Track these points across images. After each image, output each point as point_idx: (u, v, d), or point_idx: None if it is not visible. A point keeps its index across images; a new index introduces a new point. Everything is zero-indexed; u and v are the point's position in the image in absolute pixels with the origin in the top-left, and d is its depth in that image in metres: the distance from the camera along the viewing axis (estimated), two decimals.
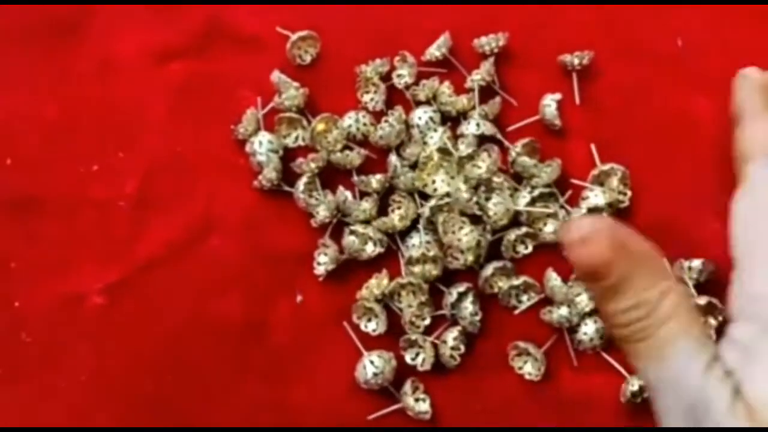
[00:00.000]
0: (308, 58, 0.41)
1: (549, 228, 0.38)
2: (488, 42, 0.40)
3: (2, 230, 0.40)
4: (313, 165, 0.39)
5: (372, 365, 0.37)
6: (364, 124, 0.40)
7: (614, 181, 0.39)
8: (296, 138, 0.40)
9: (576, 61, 0.39)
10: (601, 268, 0.29)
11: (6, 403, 0.39)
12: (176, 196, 0.40)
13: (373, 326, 0.38)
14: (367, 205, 0.38)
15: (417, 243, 0.38)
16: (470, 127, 0.39)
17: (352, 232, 0.38)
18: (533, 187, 0.38)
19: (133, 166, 0.41)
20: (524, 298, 0.38)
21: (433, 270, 0.38)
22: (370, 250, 0.38)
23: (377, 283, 0.38)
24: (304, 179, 0.39)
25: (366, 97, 0.40)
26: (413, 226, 0.39)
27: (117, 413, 0.38)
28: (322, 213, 0.38)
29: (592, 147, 0.39)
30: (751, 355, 0.28)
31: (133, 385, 0.39)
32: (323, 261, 0.39)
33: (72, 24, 0.42)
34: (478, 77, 0.39)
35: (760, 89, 0.36)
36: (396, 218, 0.38)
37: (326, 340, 0.39)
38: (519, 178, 0.39)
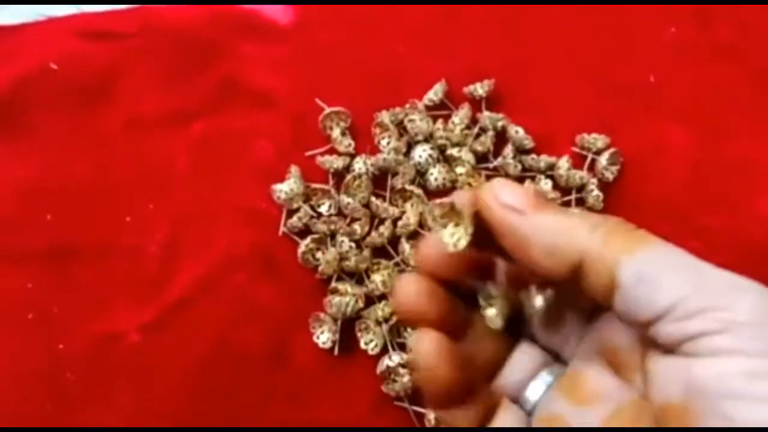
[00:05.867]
0: (337, 132, 0.44)
1: None
2: (475, 88, 0.44)
3: (45, 278, 0.43)
4: (325, 227, 0.42)
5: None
6: (372, 165, 0.43)
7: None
8: (329, 207, 0.43)
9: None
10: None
11: None
12: (201, 240, 0.44)
13: (373, 345, 0.41)
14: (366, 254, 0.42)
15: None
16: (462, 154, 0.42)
17: (334, 291, 0.41)
18: None
19: (161, 215, 0.44)
20: None
21: None
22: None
23: (381, 307, 0.41)
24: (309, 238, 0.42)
25: (383, 142, 0.44)
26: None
27: None
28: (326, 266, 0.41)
29: None
30: None
31: (171, 412, 0.41)
32: (325, 339, 0.41)
33: (100, 89, 0.46)
34: (457, 119, 0.43)
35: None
36: (378, 280, 0.41)
37: (345, 362, 0.42)
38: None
